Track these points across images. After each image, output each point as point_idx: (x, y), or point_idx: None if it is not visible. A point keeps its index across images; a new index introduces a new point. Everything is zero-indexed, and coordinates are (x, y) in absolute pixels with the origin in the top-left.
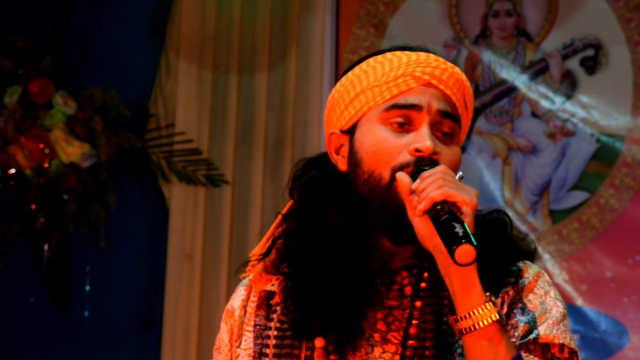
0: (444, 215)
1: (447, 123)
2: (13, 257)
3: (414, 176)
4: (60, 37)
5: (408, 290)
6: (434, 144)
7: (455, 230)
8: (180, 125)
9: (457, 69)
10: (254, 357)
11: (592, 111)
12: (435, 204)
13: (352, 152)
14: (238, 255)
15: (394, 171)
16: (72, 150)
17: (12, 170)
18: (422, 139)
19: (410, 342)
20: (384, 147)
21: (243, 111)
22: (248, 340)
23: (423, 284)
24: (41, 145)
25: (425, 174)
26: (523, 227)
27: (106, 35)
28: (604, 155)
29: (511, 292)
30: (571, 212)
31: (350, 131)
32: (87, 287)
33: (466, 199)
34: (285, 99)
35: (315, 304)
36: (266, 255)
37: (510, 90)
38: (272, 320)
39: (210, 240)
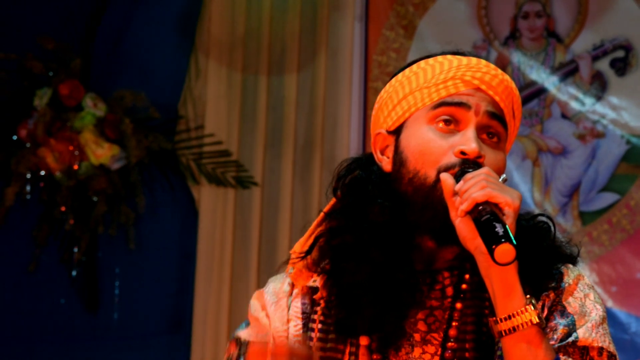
0: (485, 215)
1: (494, 126)
2: (43, 259)
3: (457, 178)
4: (90, 40)
5: (449, 291)
6: (479, 147)
7: (496, 230)
8: (210, 127)
9: (507, 77)
10: (303, 343)
11: (622, 112)
12: (478, 205)
13: (397, 151)
14: (267, 256)
15: (439, 172)
16: (101, 152)
17: (42, 173)
18: (468, 141)
19: (449, 344)
20: (429, 147)
21: (272, 113)
22: (298, 327)
23: (464, 286)
24: (71, 148)
25: (468, 175)
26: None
27: (136, 37)
28: (634, 157)
29: (552, 295)
30: (601, 214)
31: (397, 132)
32: (117, 289)
33: (508, 201)
34: (315, 100)
35: (359, 302)
36: (308, 253)
37: (540, 91)
38: (315, 312)
39: (239, 241)
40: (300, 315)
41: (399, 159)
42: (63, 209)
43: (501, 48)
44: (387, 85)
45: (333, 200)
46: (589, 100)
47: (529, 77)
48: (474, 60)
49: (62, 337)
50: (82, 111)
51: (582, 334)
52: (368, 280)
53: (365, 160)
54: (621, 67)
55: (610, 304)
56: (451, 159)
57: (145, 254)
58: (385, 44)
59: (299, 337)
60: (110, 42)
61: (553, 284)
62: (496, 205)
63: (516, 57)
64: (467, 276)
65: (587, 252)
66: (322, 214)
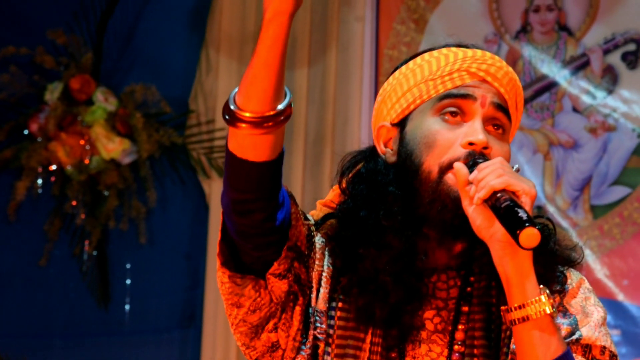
0: (504, 202)
1: (499, 117)
2: (54, 254)
3: (470, 168)
4: (101, 34)
5: (453, 292)
6: (487, 138)
7: (519, 215)
8: (221, 122)
9: (511, 69)
10: (328, 303)
11: (633, 106)
12: (495, 193)
13: (402, 144)
14: None
15: (441, 167)
16: (112, 147)
17: (53, 167)
18: (475, 132)
19: (456, 347)
20: (436, 138)
21: None
22: (325, 286)
23: (469, 289)
24: (82, 142)
25: (482, 165)
26: (573, 235)
27: (147, 31)
28: None
29: (557, 299)
30: (612, 207)
31: (401, 124)
32: (128, 283)
33: (526, 189)
34: (326, 95)
35: (381, 289)
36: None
37: (551, 85)
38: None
39: None
40: (329, 277)
41: (404, 151)
42: (74, 203)
43: (512, 42)
44: (390, 78)
45: (332, 192)
46: (600, 94)
47: (540, 71)
48: (479, 52)
49: (73, 331)
50: (93, 105)
51: (586, 332)
52: (389, 266)
53: (370, 153)
54: (632, 60)
55: (621, 297)
56: (457, 151)
57: (156, 248)
58: (396, 38)
59: (325, 298)
60: (122, 36)
61: (557, 287)
62: (513, 193)
63: (527, 51)
64: (472, 278)
65: (599, 246)
66: (320, 205)
